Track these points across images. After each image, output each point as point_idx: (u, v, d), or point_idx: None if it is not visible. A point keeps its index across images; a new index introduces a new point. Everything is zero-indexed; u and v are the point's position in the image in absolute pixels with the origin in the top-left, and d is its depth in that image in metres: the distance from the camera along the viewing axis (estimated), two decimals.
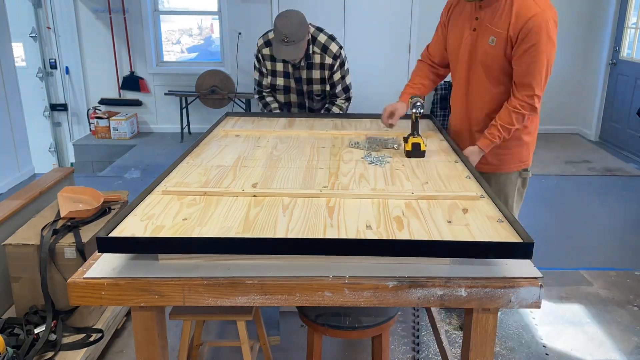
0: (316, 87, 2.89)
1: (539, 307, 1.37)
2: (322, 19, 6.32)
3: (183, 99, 6.31)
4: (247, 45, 6.36)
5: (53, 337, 2.27)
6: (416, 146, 2.18)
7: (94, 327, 2.42)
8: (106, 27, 6.35)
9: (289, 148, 2.29)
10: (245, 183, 1.84)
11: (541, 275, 1.38)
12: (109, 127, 6.34)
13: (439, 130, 2.61)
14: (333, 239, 1.41)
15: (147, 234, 1.44)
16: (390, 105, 2.48)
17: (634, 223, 4.13)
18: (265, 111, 3.04)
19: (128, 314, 2.70)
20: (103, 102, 6.56)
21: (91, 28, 6.36)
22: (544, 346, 2.61)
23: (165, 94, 6.42)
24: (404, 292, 1.35)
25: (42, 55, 6.34)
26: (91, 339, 2.33)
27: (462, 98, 2.40)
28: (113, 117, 6.35)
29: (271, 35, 2.78)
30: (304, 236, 1.44)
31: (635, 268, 3.36)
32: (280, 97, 2.98)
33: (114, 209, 2.65)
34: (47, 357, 2.20)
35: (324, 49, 2.78)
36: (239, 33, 6.32)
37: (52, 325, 2.30)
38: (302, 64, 2.81)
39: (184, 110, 6.38)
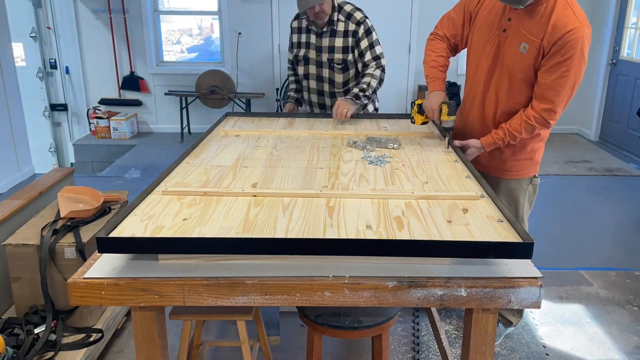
0: (337, 56, 2.82)
1: (539, 307, 1.37)
2: None
3: (183, 99, 6.31)
4: (247, 45, 6.36)
5: (53, 337, 2.27)
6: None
7: (94, 327, 2.42)
8: (106, 27, 6.36)
9: (289, 148, 2.29)
10: (245, 183, 1.84)
11: (541, 275, 1.37)
12: (109, 127, 6.34)
13: (438, 129, 2.61)
14: (333, 239, 1.41)
15: (147, 234, 1.44)
16: (428, 101, 2.35)
17: (634, 223, 4.13)
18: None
19: (128, 314, 2.70)
20: (103, 102, 6.56)
21: (91, 28, 6.36)
22: (544, 346, 2.61)
23: (165, 94, 6.42)
24: (403, 292, 1.35)
25: (42, 55, 6.34)
26: (91, 339, 2.33)
27: (480, 100, 2.29)
28: (113, 117, 6.35)
29: None
30: (304, 236, 1.44)
31: (635, 268, 3.36)
32: (300, 69, 2.94)
33: (114, 209, 2.65)
34: (47, 357, 2.20)
35: (348, 16, 2.79)
36: (239, 33, 6.32)
37: (52, 325, 2.30)
38: (326, 30, 2.80)
39: (184, 110, 6.38)
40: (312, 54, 2.88)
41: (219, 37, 6.56)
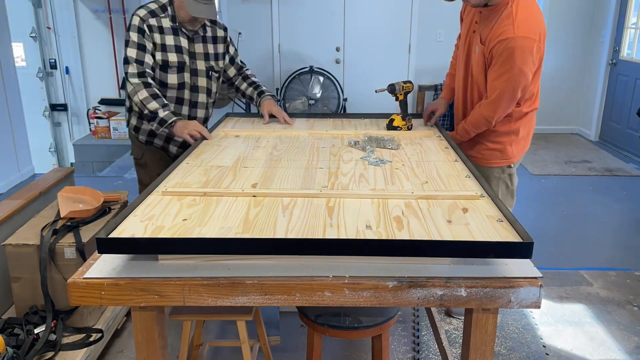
0: (213, 64, 2.62)
1: (539, 307, 1.37)
2: (323, 19, 6.33)
3: None
4: (247, 45, 6.36)
5: (53, 337, 2.27)
6: (391, 121, 2.56)
7: (93, 327, 2.42)
8: (106, 27, 6.35)
9: (289, 148, 2.29)
10: (245, 183, 1.84)
11: (541, 275, 1.37)
12: (109, 127, 6.33)
13: (438, 129, 2.61)
14: (333, 239, 1.41)
15: (147, 235, 1.44)
16: (432, 104, 2.64)
17: (634, 223, 4.13)
18: (144, 102, 2.39)
19: (128, 314, 2.70)
20: (103, 102, 6.55)
21: (91, 28, 6.36)
22: (544, 346, 2.61)
23: None
24: (403, 292, 1.35)
25: (42, 55, 6.34)
26: (91, 339, 2.33)
27: (462, 97, 2.48)
28: (113, 117, 6.35)
29: (152, 5, 2.47)
30: (304, 236, 1.44)
31: (635, 268, 3.36)
32: (173, 78, 2.51)
33: (114, 209, 2.65)
34: (47, 357, 2.20)
35: (213, 22, 2.64)
36: (239, 33, 6.32)
37: (52, 325, 2.30)
38: (201, 33, 2.55)
39: None
40: (187, 60, 2.53)
41: None
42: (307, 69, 6.11)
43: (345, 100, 6.26)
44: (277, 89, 6.39)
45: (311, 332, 1.86)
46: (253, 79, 2.84)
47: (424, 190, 1.77)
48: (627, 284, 3.18)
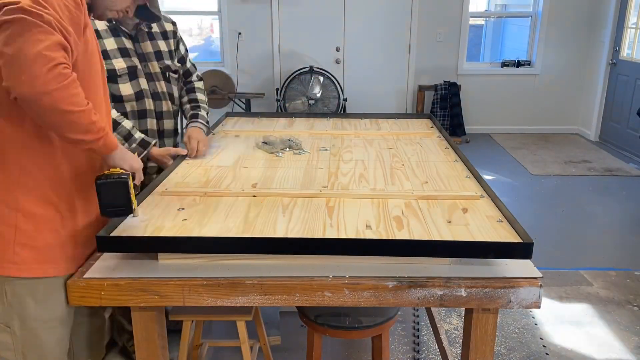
0: (169, 63, 2.21)
1: (538, 307, 1.37)
2: (322, 19, 6.33)
3: None
4: (247, 45, 6.36)
5: None
6: None
7: None
8: None
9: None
10: (245, 183, 1.84)
11: (541, 275, 1.38)
12: None
13: (438, 129, 2.61)
14: (333, 239, 1.41)
15: (147, 235, 1.44)
16: None
17: (634, 223, 4.13)
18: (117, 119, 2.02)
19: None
20: None
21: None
22: (543, 346, 2.61)
23: None
24: (403, 292, 1.35)
25: None
26: None
27: None
28: None
29: None
30: (304, 236, 1.44)
31: (635, 268, 3.36)
32: (126, 88, 2.08)
33: None
34: None
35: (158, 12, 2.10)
36: (239, 33, 6.32)
37: None
38: (145, 29, 2.15)
39: None
40: (138, 63, 2.12)
41: (219, 37, 6.56)
42: (307, 69, 6.11)
43: (345, 100, 6.25)
44: (277, 89, 6.40)
45: (311, 332, 1.86)
46: (197, 94, 2.37)
47: (423, 191, 1.77)
48: (627, 284, 3.18)
